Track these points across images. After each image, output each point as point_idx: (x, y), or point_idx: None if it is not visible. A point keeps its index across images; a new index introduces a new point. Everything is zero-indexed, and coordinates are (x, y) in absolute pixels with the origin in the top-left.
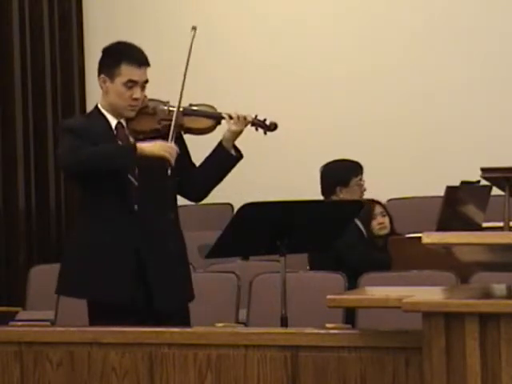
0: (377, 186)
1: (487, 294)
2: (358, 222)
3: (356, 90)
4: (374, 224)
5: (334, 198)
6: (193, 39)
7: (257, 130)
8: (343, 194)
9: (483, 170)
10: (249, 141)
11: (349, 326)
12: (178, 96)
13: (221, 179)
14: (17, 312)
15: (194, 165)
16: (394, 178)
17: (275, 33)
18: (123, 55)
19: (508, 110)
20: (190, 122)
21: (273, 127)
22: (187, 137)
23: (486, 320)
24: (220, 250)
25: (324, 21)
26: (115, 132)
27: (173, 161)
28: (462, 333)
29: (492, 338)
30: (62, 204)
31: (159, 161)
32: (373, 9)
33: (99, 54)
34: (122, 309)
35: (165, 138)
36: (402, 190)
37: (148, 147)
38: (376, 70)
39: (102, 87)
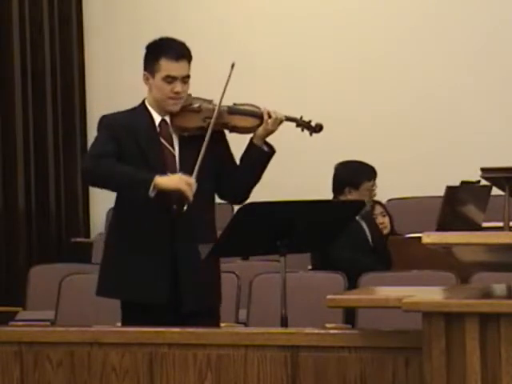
0: (377, 185)
1: (487, 294)
2: (363, 223)
3: (356, 91)
4: (377, 224)
5: (342, 197)
6: (230, 74)
7: (302, 130)
8: (351, 196)
9: (483, 170)
10: (248, 141)
11: (349, 326)
12: (220, 95)
13: (258, 177)
14: (17, 312)
15: (235, 165)
16: (394, 177)
17: (284, 32)
18: (162, 50)
19: (508, 110)
20: (235, 120)
21: (318, 128)
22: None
23: (486, 320)
24: (220, 249)
25: (330, 22)
26: (158, 129)
27: (191, 196)
28: (462, 333)
29: (492, 337)
30: (61, 204)
31: (177, 194)
32: (379, 9)
33: (99, 54)
34: (158, 309)
35: (219, 132)
36: (402, 189)
37: (166, 181)
38: (376, 71)
39: (146, 84)
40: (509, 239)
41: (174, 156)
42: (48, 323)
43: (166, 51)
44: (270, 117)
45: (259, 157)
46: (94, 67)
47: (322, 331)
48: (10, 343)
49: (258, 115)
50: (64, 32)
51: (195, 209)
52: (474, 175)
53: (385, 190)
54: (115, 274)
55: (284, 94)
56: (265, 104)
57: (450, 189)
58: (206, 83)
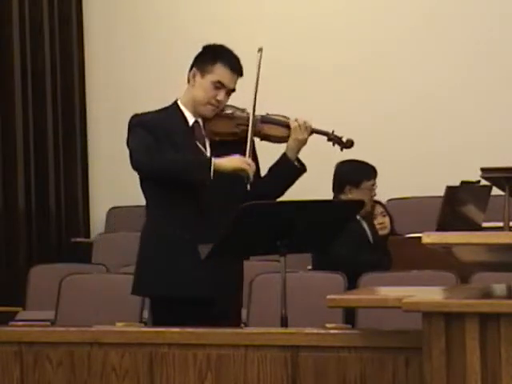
0: (377, 185)
1: (487, 294)
2: (364, 223)
3: (356, 91)
4: (375, 224)
5: (343, 196)
6: (260, 60)
7: (334, 145)
8: (352, 195)
9: (483, 170)
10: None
11: (349, 326)
12: (252, 103)
13: (283, 191)
14: (17, 312)
15: (260, 176)
16: (394, 177)
17: (284, 32)
18: (221, 55)
19: (508, 110)
20: (267, 129)
21: (349, 144)
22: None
23: (486, 320)
24: (220, 249)
25: (323, 20)
26: (192, 130)
27: (252, 175)
28: (461, 333)
29: (492, 337)
30: (61, 204)
31: (237, 175)
32: (380, 10)
33: (99, 54)
34: (200, 304)
35: (242, 142)
36: (402, 189)
37: (225, 162)
38: (375, 71)
39: (189, 80)
40: (509, 239)
41: (207, 157)
42: (48, 323)
43: (225, 58)
44: (299, 126)
45: (289, 171)
46: (94, 67)
47: (322, 331)
48: (10, 343)
49: (287, 125)
50: (64, 32)
51: (227, 213)
52: (474, 175)
53: (385, 190)
54: (165, 271)
55: (284, 95)
56: (264, 105)
57: (449, 189)
58: None
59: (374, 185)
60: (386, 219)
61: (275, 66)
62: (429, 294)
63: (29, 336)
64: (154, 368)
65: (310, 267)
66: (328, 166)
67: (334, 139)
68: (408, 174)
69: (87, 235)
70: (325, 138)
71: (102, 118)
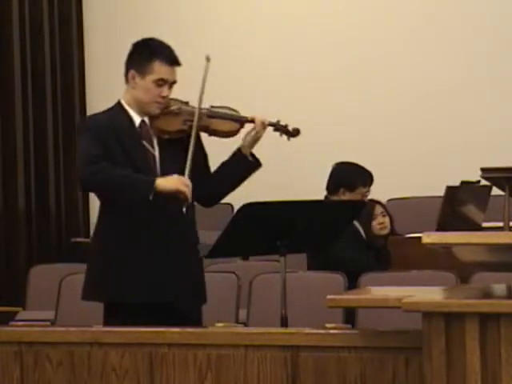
0: (377, 185)
1: (487, 294)
2: (356, 223)
3: (355, 91)
4: (375, 224)
5: (335, 197)
6: (207, 69)
7: (281, 135)
8: (344, 197)
9: (483, 170)
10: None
11: (349, 326)
12: (198, 98)
13: (236, 187)
14: (17, 312)
15: (209, 170)
16: (394, 177)
17: (284, 32)
18: (156, 52)
19: (508, 109)
20: (215, 123)
21: (295, 133)
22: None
23: (486, 320)
24: (220, 249)
25: (324, 20)
26: (139, 130)
27: (190, 197)
28: (461, 333)
29: (492, 337)
30: (61, 204)
31: (175, 196)
32: (380, 10)
33: (99, 54)
34: (159, 309)
35: (189, 138)
36: (402, 189)
37: (165, 184)
38: (375, 71)
39: (128, 82)
40: (509, 239)
41: (155, 157)
42: (48, 323)
43: (160, 54)
44: (253, 122)
45: (244, 166)
46: (94, 67)
47: (322, 331)
48: (10, 343)
49: (238, 119)
50: (64, 32)
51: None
52: (474, 175)
53: (385, 190)
54: (113, 276)
55: (284, 95)
56: (264, 105)
57: (450, 189)
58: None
59: (368, 191)
60: (386, 219)
61: (274, 65)
62: (429, 294)
63: (29, 336)
64: (154, 368)
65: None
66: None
67: (280, 129)
68: (408, 174)
69: (87, 235)
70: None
71: None
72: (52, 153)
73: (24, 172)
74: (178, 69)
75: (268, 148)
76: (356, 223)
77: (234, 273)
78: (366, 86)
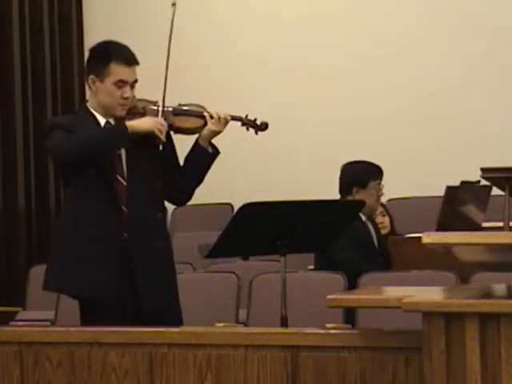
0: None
1: (487, 294)
2: (369, 224)
3: (356, 92)
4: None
5: (350, 197)
6: (173, 16)
7: (248, 129)
8: (359, 196)
9: (483, 170)
10: (248, 141)
11: (349, 325)
12: (162, 95)
13: (201, 178)
14: (17, 312)
15: (179, 166)
16: (394, 177)
17: (276, 31)
18: (112, 55)
19: (508, 109)
20: (179, 121)
21: (263, 127)
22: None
23: (486, 320)
24: (220, 249)
25: (325, 21)
26: None
27: (163, 136)
28: (462, 333)
29: (492, 337)
30: (61, 204)
31: (150, 136)
32: (380, 10)
33: None
34: (109, 307)
35: (156, 138)
36: (402, 189)
37: (138, 123)
38: (375, 71)
39: (90, 88)
40: (509, 239)
41: (120, 156)
42: (48, 323)
43: (116, 56)
44: (212, 117)
45: (204, 158)
46: None
47: (322, 331)
48: (10, 343)
49: (202, 116)
50: (64, 32)
51: (147, 207)
52: (474, 175)
53: (385, 189)
54: (64, 269)
55: (284, 94)
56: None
57: (450, 189)
58: (205, 82)
59: (380, 184)
60: (386, 219)
61: (274, 66)
62: (429, 293)
63: (29, 336)
64: (154, 368)
65: (311, 267)
66: None
67: (247, 123)
68: (408, 174)
69: None
70: (239, 123)
71: None
72: None
73: (24, 172)
74: (178, 68)
75: (268, 148)
76: (370, 225)
77: (234, 273)
78: (366, 86)
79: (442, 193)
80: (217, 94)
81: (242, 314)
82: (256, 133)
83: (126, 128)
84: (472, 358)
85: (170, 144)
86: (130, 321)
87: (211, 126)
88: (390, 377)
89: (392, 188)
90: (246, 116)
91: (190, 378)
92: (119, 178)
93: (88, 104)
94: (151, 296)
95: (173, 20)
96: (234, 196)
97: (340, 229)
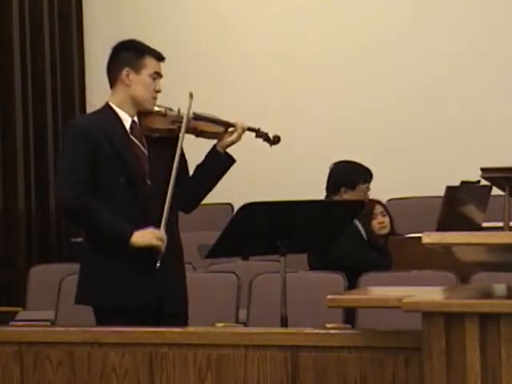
0: (377, 185)
1: (487, 294)
2: (357, 223)
3: (356, 91)
4: (374, 223)
5: (337, 197)
6: (190, 105)
7: (264, 141)
8: (347, 196)
9: (483, 169)
10: (248, 141)
11: (349, 326)
12: (188, 103)
13: (214, 185)
14: (17, 312)
15: (188, 175)
16: (394, 177)
17: (284, 32)
18: (145, 48)
19: (508, 110)
20: (202, 125)
21: (276, 140)
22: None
23: (486, 320)
24: (220, 249)
25: (324, 21)
26: (130, 130)
27: (163, 249)
28: (462, 333)
29: (492, 337)
30: None
31: (150, 249)
32: (380, 9)
33: (99, 54)
34: (136, 311)
35: (175, 140)
36: (402, 190)
37: (139, 239)
38: (376, 71)
39: (119, 82)
40: (509, 239)
41: (146, 156)
42: (48, 323)
43: (149, 50)
44: (231, 126)
45: (221, 164)
46: (94, 67)
47: (322, 331)
48: (10, 343)
49: (221, 123)
50: (64, 32)
51: (170, 211)
52: (474, 175)
53: (385, 190)
54: (96, 280)
55: (284, 93)
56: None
57: (450, 189)
58: (206, 82)
59: (368, 187)
60: (386, 219)
61: (273, 59)
62: (429, 294)
63: (29, 336)
64: (154, 368)
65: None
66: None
67: (262, 136)
68: (408, 174)
69: None
70: (253, 134)
71: None
72: (52, 153)
73: (24, 172)
74: (176, 67)
75: (268, 148)
76: (357, 223)
77: (234, 273)
78: (366, 85)
79: (441, 193)
80: (220, 86)
81: (242, 313)
82: (270, 146)
83: (129, 243)
84: (472, 358)
85: (179, 153)
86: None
87: (230, 134)
88: (389, 377)
89: (392, 188)
90: (259, 129)
91: (189, 378)
92: (146, 179)
93: (111, 102)
94: (173, 298)
95: (189, 109)
96: (234, 196)
97: (340, 229)
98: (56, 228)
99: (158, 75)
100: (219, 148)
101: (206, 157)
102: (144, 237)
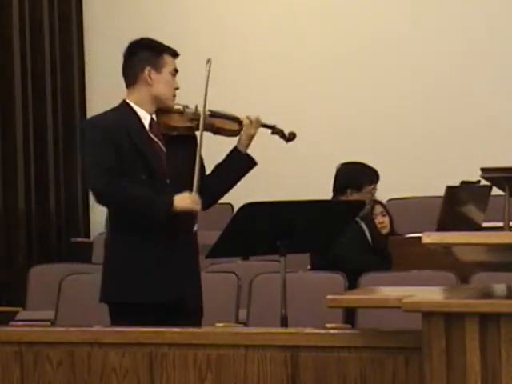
0: (377, 185)
1: (487, 294)
2: (363, 225)
3: (356, 91)
4: (375, 224)
5: (343, 198)
6: (209, 72)
7: (280, 138)
8: (352, 197)
9: (483, 169)
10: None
11: (349, 326)
12: (203, 99)
13: (232, 186)
14: (17, 312)
15: (205, 172)
16: (394, 177)
17: (284, 31)
18: (162, 47)
19: (508, 110)
20: (219, 122)
21: (292, 137)
22: None
23: (486, 320)
24: (220, 249)
25: (324, 21)
26: (149, 127)
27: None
28: (462, 333)
29: (492, 337)
30: (61, 204)
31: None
32: (380, 8)
33: (99, 54)
34: (159, 308)
35: (191, 139)
36: (402, 190)
37: (182, 202)
38: (375, 70)
39: (146, 80)
40: (509, 239)
41: (164, 153)
42: (48, 323)
43: (165, 47)
44: (246, 121)
45: (243, 164)
46: (94, 67)
47: (322, 331)
48: (10, 343)
49: (237, 120)
50: (64, 32)
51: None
52: (474, 175)
53: (385, 190)
54: (121, 277)
55: (284, 93)
56: (254, 102)
57: (450, 189)
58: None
59: (374, 189)
60: (386, 219)
61: (273, 59)
62: (429, 294)
63: (29, 336)
64: (154, 368)
65: (309, 267)
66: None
67: (278, 133)
68: (408, 174)
69: (87, 235)
70: (269, 131)
71: None
72: (52, 153)
73: (24, 172)
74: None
75: (268, 148)
76: (363, 225)
77: (234, 273)
78: (366, 86)
79: (441, 193)
80: (225, 91)
81: (242, 313)
82: (286, 142)
83: (167, 210)
84: (472, 358)
85: (195, 148)
86: (170, 322)
87: (247, 129)
88: (389, 377)
89: (392, 188)
90: (275, 125)
91: (190, 378)
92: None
93: (129, 100)
94: (193, 295)
95: (208, 76)
96: (234, 196)
97: (340, 229)
98: (56, 228)
99: (176, 72)
100: (241, 147)
101: (227, 156)
102: (184, 200)
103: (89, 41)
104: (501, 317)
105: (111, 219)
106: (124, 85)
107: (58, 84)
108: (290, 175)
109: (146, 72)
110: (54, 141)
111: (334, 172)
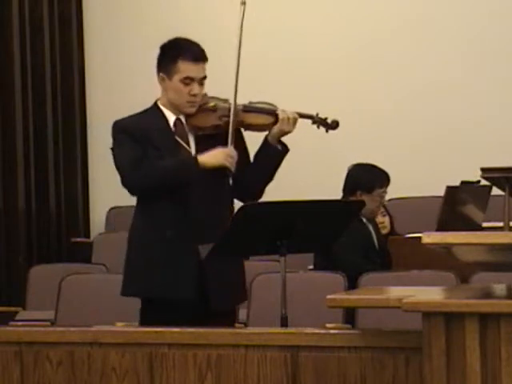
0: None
1: (487, 294)
2: (370, 226)
3: (355, 91)
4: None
5: (352, 199)
6: (243, 15)
7: (318, 127)
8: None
9: (483, 169)
10: (248, 141)
11: (349, 326)
12: (233, 92)
13: (271, 176)
14: (17, 312)
15: (249, 162)
16: (394, 177)
17: (288, 31)
18: (179, 52)
19: (508, 110)
20: (250, 118)
21: (334, 125)
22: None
23: (486, 320)
24: (220, 249)
25: (324, 21)
26: (174, 128)
27: (233, 168)
28: (462, 333)
29: (492, 337)
30: (61, 204)
31: (221, 169)
32: (381, 7)
33: (99, 54)
34: (184, 306)
35: (226, 134)
36: (402, 189)
37: (209, 159)
38: (375, 70)
39: (160, 85)
40: (509, 239)
41: (190, 154)
42: (48, 323)
43: (183, 52)
44: (283, 116)
45: (273, 155)
46: (94, 68)
47: (322, 331)
48: (10, 343)
49: (273, 113)
50: (64, 32)
51: (218, 207)
52: (474, 175)
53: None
54: (143, 272)
55: (284, 93)
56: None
57: (450, 189)
58: (206, 82)
59: (385, 192)
60: (386, 219)
61: (274, 57)
62: (429, 294)
63: (29, 336)
64: (154, 368)
65: (310, 267)
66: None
67: (318, 122)
68: (408, 174)
69: (87, 235)
70: (309, 121)
71: (102, 118)
72: (52, 153)
73: (24, 172)
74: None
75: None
76: (370, 227)
77: None
78: (365, 86)
79: (441, 193)
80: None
81: (242, 314)
82: (327, 131)
83: (197, 165)
84: (472, 358)
85: (241, 142)
86: (197, 321)
87: (281, 124)
88: (389, 377)
89: (392, 188)
90: (317, 114)
91: (189, 378)
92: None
93: (159, 101)
94: (221, 296)
95: (243, 19)
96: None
97: (340, 229)
98: (56, 228)
99: (191, 80)
100: (269, 139)
101: (260, 148)
102: (216, 157)
103: (89, 41)
104: (501, 317)
105: (137, 214)
106: (123, 85)
107: (58, 84)
108: (290, 175)
109: (160, 78)
110: (54, 141)
111: (334, 172)
